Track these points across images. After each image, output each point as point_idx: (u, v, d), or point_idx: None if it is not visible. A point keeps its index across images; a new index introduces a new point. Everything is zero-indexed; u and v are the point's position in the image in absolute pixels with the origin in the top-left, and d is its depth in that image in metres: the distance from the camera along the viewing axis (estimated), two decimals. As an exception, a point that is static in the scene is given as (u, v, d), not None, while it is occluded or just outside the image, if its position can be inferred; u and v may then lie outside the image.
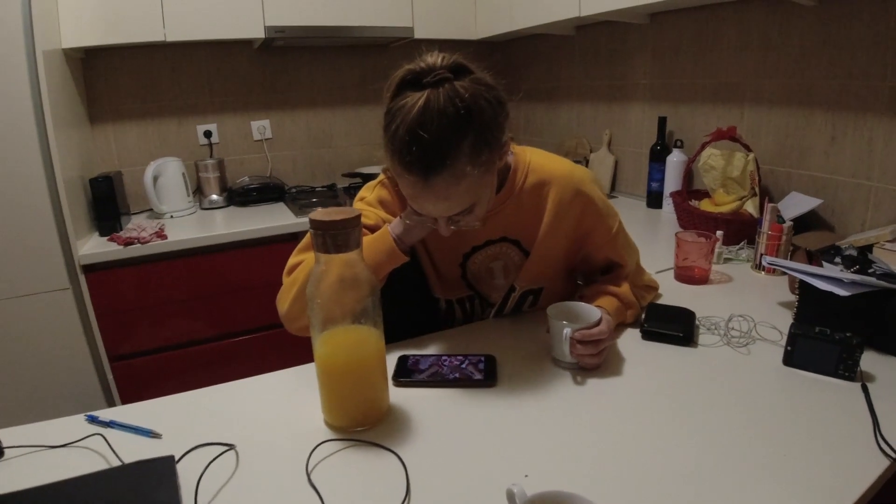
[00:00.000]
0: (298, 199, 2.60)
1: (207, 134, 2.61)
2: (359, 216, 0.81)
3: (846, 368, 0.99)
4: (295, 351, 2.06)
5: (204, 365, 2.20)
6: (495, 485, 0.75)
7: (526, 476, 0.69)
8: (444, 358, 1.08)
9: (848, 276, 1.11)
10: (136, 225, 2.09)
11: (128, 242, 1.92)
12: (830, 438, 0.85)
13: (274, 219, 2.27)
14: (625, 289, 1.19)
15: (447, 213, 0.98)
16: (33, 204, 1.80)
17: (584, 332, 1.01)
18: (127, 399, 2.08)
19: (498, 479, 0.77)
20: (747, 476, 0.78)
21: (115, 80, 2.41)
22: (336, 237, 0.79)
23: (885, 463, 0.79)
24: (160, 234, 2.01)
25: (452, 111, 0.88)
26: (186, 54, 2.53)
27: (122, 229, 2.09)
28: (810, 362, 1.02)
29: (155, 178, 2.25)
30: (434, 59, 0.93)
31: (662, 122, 2.20)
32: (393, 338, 1.15)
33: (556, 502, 0.65)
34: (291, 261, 1.12)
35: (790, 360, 1.04)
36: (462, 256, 1.21)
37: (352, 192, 2.67)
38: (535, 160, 1.17)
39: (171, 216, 2.33)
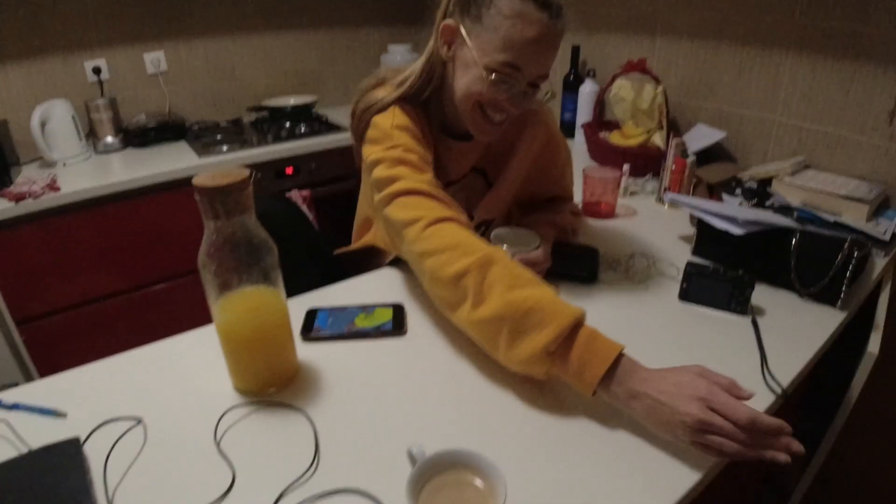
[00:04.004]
0: (201, 136, 2.45)
1: (96, 70, 2.39)
2: (249, 177, 0.76)
3: (738, 304, 1.03)
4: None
5: (120, 317, 2.13)
6: (401, 442, 0.76)
7: (418, 447, 0.70)
8: (350, 309, 1.07)
9: (743, 213, 1.15)
10: (27, 178, 1.94)
11: (18, 198, 1.79)
12: (720, 372, 0.89)
13: (176, 160, 2.15)
14: (562, 218, 1.29)
15: (548, 65, 1.04)
16: None
17: (524, 257, 1.07)
18: (41, 362, 2.01)
19: (403, 436, 0.79)
20: None
21: None
22: (225, 202, 0.74)
23: (771, 398, 0.84)
24: (52, 187, 1.87)
25: None
26: (67, -16, 2.30)
27: (12, 183, 1.94)
28: (704, 297, 1.06)
29: (42, 124, 2.06)
30: None
31: (576, 51, 2.19)
32: (299, 289, 1.15)
33: (454, 460, 0.67)
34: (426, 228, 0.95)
35: (685, 295, 1.09)
36: None
37: (258, 126, 2.55)
38: None
39: (65, 164, 2.15)
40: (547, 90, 1.08)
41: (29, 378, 2.02)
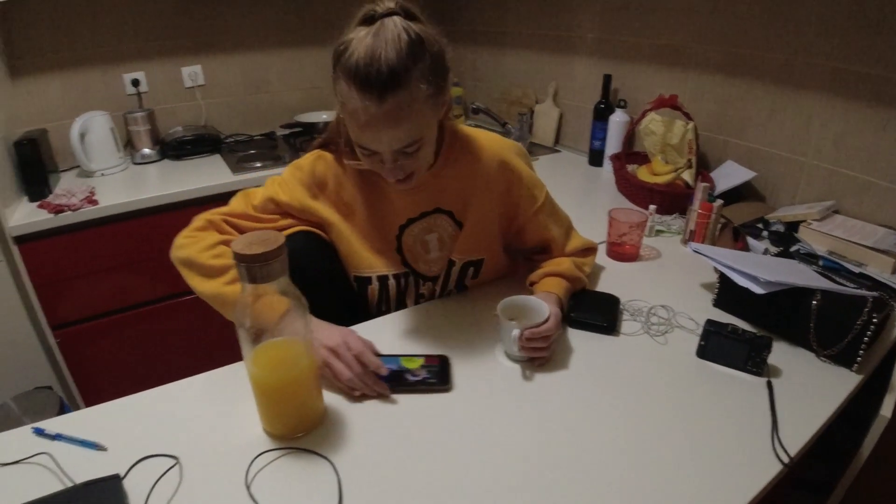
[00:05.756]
0: (236, 150, 2.50)
1: (135, 83, 2.46)
2: (282, 245, 0.80)
3: (754, 364, 1.04)
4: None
5: (148, 326, 2.19)
6: (422, 501, 0.79)
7: None
8: (394, 358, 1.08)
9: (766, 270, 1.15)
10: (66, 189, 2.00)
11: (58, 210, 1.85)
12: (732, 436, 0.91)
13: (210, 176, 2.20)
14: (566, 266, 1.24)
15: (397, 143, 0.99)
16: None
17: (533, 330, 1.05)
18: (73, 365, 2.09)
19: (424, 495, 0.82)
20: (652, 474, 0.84)
21: (33, 31, 2.23)
22: (262, 269, 0.79)
23: (777, 467, 0.85)
24: (90, 200, 1.93)
25: (406, 37, 0.93)
26: (107, -2, 2.37)
27: (51, 192, 2.01)
28: (721, 356, 1.07)
29: (82, 135, 2.13)
30: (388, 3, 0.97)
31: (607, 79, 2.18)
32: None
33: None
34: (215, 217, 1.18)
35: (703, 353, 1.10)
36: (398, 229, 1.23)
37: (290, 141, 2.59)
38: (466, 132, 1.22)
39: (102, 174, 2.22)
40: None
41: (62, 378, 2.09)
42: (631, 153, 2.06)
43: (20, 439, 0.93)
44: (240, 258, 0.77)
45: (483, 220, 1.23)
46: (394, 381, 1.03)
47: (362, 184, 1.19)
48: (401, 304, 1.30)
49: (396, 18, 0.94)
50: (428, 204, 1.22)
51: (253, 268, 0.78)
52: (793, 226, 1.54)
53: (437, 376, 1.05)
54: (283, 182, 1.19)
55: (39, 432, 0.94)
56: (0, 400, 1.87)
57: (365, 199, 1.20)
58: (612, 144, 2.15)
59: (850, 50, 1.50)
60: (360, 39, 0.93)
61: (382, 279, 1.25)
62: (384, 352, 1.09)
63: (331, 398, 1.00)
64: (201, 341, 2.18)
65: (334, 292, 1.28)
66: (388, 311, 1.29)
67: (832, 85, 1.56)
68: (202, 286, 1.07)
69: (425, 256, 1.26)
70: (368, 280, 1.24)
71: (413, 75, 0.94)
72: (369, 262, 1.23)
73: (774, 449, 0.88)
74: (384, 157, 1.02)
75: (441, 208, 1.22)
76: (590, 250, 1.36)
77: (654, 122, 1.85)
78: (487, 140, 1.22)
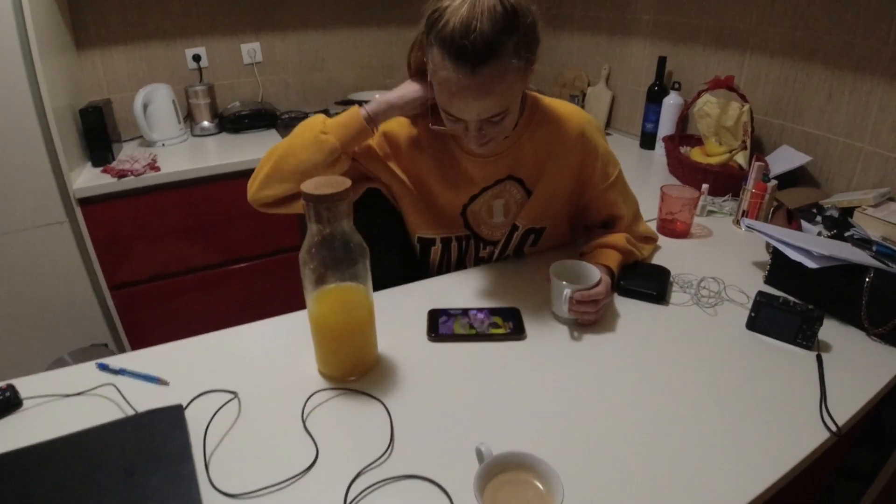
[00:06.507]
0: (291, 125, 2.50)
1: (196, 58, 2.54)
2: (348, 188, 0.83)
3: (804, 338, 1.04)
4: (285, 279, 2.11)
5: (201, 291, 2.27)
6: (470, 439, 0.82)
7: (486, 446, 0.76)
8: (471, 311, 1.13)
9: (819, 246, 1.14)
10: (129, 156, 2.08)
11: (121, 175, 1.93)
12: (780, 405, 0.91)
13: (266, 148, 2.23)
14: (619, 238, 1.25)
15: (485, 113, 1.01)
16: (24, 136, 1.78)
17: (583, 292, 1.07)
18: (128, 325, 2.18)
19: (472, 434, 0.85)
20: (698, 437, 0.85)
21: (100, 5, 2.31)
22: (328, 209, 0.82)
23: (825, 435, 0.85)
24: (153, 166, 2.01)
25: (501, 9, 0.93)
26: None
27: (114, 159, 2.09)
28: (771, 329, 1.07)
29: (145, 106, 2.22)
30: None
31: (662, 62, 2.17)
32: (379, 279, 1.21)
33: (518, 462, 0.72)
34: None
35: (753, 325, 1.09)
36: (468, 198, 1.24)
37: (345, 120, 2.64)
38: (546, 102, 1.22)
39: (163, 144, 2.31)
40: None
41: (116, 337, 2.18)
42: (684, 136, 2.05)
43: (85, 373, 0.98)
44: (308, 198, 0.81)
45: (553, 190, 1.24)
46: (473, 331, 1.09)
47: (437, 151, 1.21)
48: (460, 266, 1.34)
49: None
50: (502, 172, 1.23)
51: (320, 208, 0.82)
52: (847, 212, 1.51)
53: (513, 326, 1.09)
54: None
55: (103, 367, 0.99)
56: (57, 354, 1.97)
57: (437, 166, 1.21)
58: (665, 127, 2.14)
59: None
60: (455, 9, 0.93)
61: (446, 241, 1.28)
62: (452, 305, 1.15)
63: (383, 348, 1.04)
64: (254, 308, 2.24)
65: (395, 251, 1.32)
66: (447, 272, 1.32)
67: (891, 70, 1.52)
68: (302, 138, 1.14)
69: (489, 221, 1.28)
70: (432, 241, 1.27)
71: (507, 49, 0.94)
72: (433, 224, 1.25)
73: (823, 419, 0.88)
74: (469, 125, 1.05)
75: (513, 175, 1.23)
76: (651, 239, 1.37)
77: (708, 104, 1.83)
78: (569, 111, 1.22)
